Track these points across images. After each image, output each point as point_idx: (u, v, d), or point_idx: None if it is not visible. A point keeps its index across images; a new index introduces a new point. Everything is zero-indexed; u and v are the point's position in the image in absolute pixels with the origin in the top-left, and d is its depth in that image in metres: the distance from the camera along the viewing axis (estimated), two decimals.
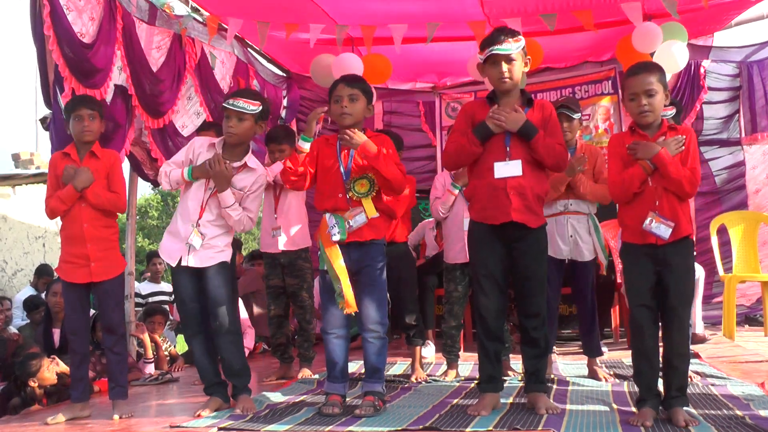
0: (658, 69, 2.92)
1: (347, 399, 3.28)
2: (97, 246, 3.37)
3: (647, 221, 2.82)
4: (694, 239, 2.97)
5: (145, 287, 7.24)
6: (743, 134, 6.66)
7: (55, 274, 7.41)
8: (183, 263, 3.31)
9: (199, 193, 3.35)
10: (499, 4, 5.24)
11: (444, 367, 4.20)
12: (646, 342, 2.86)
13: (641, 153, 2.84)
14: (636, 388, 2.98)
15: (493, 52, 3.02)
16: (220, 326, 3.32)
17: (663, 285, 2.85)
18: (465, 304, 4.16)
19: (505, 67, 3.02)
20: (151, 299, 6.93)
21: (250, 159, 3.39)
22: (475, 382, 3.32)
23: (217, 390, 3.36)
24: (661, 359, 2.90)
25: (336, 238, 3.15)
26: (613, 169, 2.97)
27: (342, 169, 3.22)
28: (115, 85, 4.55)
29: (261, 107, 3.31)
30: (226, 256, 3.38)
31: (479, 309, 3.11)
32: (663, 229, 2.81)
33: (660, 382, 2.91)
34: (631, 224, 2.91)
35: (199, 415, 3.16)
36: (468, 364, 4.42)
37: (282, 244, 4.25)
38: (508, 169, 3.02)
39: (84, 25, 4.29)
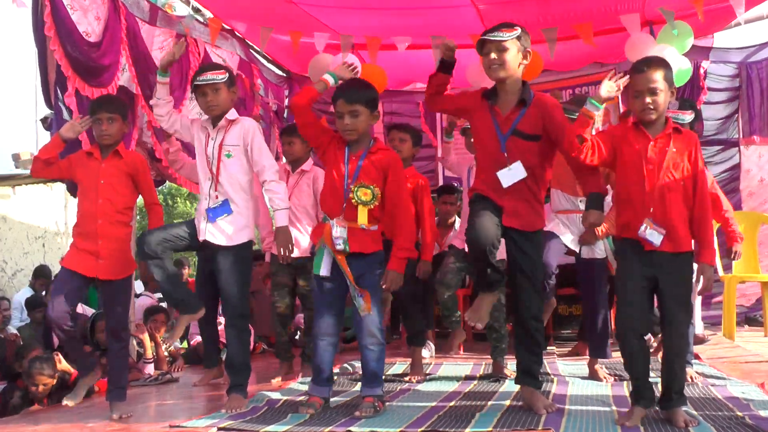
0: (663, 65, 2.85)
1: (331, 400, 3.30)
2: (109, 244, 3.36)
3: (642, 228, 2.80)
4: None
5: (139, 285, 7.22)
6: (741, 135, 6.67)
7: (53, 274, 7.47)
8: (201, 237, 3.34)
9: (204, 165, 3.41)
10: (498, 18, 5.25)
11: (444, 367, 4.20)
12: (632, 348, 2.84)
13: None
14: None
15: (483, 38, 3.01)
16: (228, 315, 3.37)
17: (659, 289, 2.83)
18: (459, 279, 4.16)
19: (494, 54, 2.99)
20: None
21: (229, 114, 3.44)
22: (478, 380, 3.28)
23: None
24: (660, 360, 2.90)
25: (339, 247, 3.13)
26: (596, 135, 2.92)
27: (345, 177, 3.17)
28: (119, 86, 4.56)
29: (227, 74, 3.41)
30: (246, 236, 3.40)
31: (470, 233, 3.00)
32: (655, 236, 2.78)
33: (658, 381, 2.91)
34: (627, 224, 2.88)
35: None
36: (467, 365, 4.42)
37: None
38: (512, 174, 2.99)
39: (90, 24, 4.30)
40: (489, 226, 2.94)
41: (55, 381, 4.03)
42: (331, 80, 3.32)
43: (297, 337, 5.73)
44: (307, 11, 5.23)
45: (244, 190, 3.41)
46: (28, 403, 4.02)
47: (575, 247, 4.00)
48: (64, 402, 3.31)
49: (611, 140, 2.91)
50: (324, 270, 3.17)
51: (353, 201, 3.13)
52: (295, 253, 4.21)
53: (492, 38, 2.99)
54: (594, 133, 2.97)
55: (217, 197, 3.36)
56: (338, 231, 3.14)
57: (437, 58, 5.55)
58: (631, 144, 2.87)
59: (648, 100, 2.81)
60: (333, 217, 3.16)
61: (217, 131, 3.42)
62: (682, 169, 2.83)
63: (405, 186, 3.29)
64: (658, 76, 2.81)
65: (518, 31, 2.99)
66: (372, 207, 3.15)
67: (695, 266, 2.88)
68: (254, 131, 3.44)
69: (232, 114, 3.44)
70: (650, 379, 2.87)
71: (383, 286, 3.15)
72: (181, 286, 3.45)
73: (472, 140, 3.83)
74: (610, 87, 2.89)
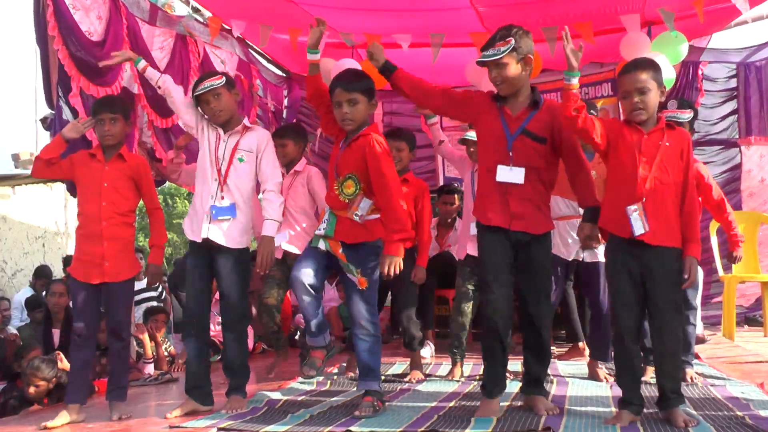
0: (651, 66, 2.86)
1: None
2: (114, 246, 3.36)
3: (633, 206, 2.79)
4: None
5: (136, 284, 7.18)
6: (740, 136, 6.67)
7: (54, 274, 7.46)
8: (203, 235, 3.32)
9: (211, 170, 3.39)
10: (498, 19, 5.26)
11: (444, 367, 4.20)
12: (627, 349, 2.85)
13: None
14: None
15: (480, 60, 3.00)
16: (228, 318, 3.37)
17: (646, 288, 2.83)
18: (475, 305, 4.12)
19: (494, 72, 2.96)
20: (137, 296, 6.88)
21: (246, 120, 3.48)
22: (478, 381, 3.29)
23: (196, 393, 3.33)
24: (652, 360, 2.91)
25: (320, 232, 3.16)
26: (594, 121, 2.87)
27: (335, 169, 3.21)
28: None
29: (224, 77, 3.42)
30: (247, 241, 3.41)
31: (486, 308, 3.04)
32: (639, 224, 2.78)
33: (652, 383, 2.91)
34: (617, 216, 2.86)
35: (165, 417, 3.16)
36: (467, 365, 4.41)
37: (286, 246, 4.23)
38: (512, 175, 2.95)
39: (92, 23, 4.31)
40: (504, 307, 2.95)
41: (52, 384, 4.02)
42: (314, 56, 3.32)
43: (296, 337, 5.73)
44: (307, 11, 5.23)
45: (248, 196, 3.42)
46: (27, 403, 4.02)
47: (576, 254, 3.99)
48: (42, 425, 3.19)
49: (607, 130, 2.90)
50: (320, 244, 3.16)
51: (341, 198, 3.15)
52: (294, 252, 4.22)
53: (486, 59, 2.95)
54: None
55: (223, 198, 3.36)
56: (326, 215, 3.17)
57: (435, 55, 5.60)
58: (625, 137, 2.87)
59: (636, 99, 2.81)
60: (333, 207, 3.19)
61: (230, 135, 3.42)
62: (674, 165, 2.83)
63: (386, 165, 3.12)
64: (645, 75, 2.81)
65: (512, 42, 2.91)
66: (359, 194, 3.13)
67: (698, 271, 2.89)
68: (268, 142, 3.48)
69: (248, 121, 3.48)
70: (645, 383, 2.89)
71: (383, 272, 3.07)
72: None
73: (476, 139, 3.82)
74: (570, 52, 2.79)
